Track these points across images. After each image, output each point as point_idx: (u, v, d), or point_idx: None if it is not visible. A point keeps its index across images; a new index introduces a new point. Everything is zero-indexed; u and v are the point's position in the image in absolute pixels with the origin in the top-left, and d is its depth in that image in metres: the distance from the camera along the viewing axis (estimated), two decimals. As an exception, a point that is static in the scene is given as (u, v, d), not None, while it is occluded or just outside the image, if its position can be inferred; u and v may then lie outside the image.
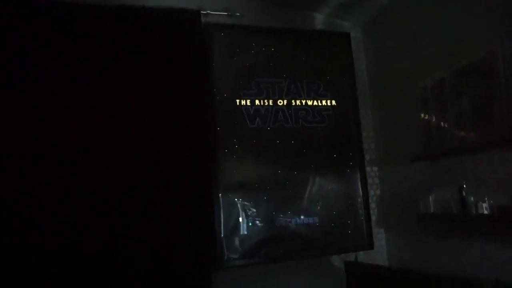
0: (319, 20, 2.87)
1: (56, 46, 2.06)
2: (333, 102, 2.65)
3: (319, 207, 2.51)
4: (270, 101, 2.53)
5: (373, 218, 2.67)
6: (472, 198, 1.82)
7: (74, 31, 2.10)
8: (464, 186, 1.86)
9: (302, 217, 2.46)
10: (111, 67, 2.12)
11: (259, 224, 2.37)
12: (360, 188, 2.60)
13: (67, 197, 1.96)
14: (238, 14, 2.57)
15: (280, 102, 2.55)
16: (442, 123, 2.04)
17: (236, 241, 2.31)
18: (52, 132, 1.99)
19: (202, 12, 2.42)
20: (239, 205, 2.35)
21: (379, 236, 2.72)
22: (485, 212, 1.75)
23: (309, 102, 2.60)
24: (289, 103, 2.56)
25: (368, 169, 2.72)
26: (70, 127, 2.02)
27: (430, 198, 2.08)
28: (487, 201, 1.75)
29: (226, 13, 2.54)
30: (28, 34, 2.02)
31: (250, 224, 2.36)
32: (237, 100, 2.46)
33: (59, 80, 2.04)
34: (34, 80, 2.00)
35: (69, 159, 2.00)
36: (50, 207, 1.93)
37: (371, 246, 2.55)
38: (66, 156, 1.99)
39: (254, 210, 2.37)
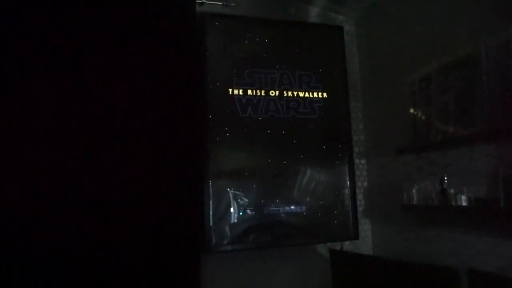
0: (313, 12, 2.90)
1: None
2: (324, 95, 2.70)
3: (307, 197, 2.56)
4: (262, 92, 2.56)
5: (360, 209, 2.73)
6: (452, 190, 1.88)
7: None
8: (445, 178, 1.92)
9: (290, 206, 2.52)
10: (100, 55, 2.14)
11: (248, 211, 2.43)
12: (348, 180, 2.65)
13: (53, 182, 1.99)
14: (233, 4, 2.60)
15: (272, 93, 2.58)
16: (427, 117, 2.09)
17: (225, 227, 2.37)
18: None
19: (197, 1, 2.44)
20: (228, 192, 2.40)
21: (365, 227, 2.79)
22: (464, 203, 1.81)
23: (301, 94, 2.65)
24: (281, 94, 2.60)
25: (356, 161, 2.78)
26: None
27: (414, 190, 2.14)
28: (465, 193, 1.81)
29: (221, 3, 2.57)
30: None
31: (239, 211, 2.41)
32: (230, 90, 2.49)
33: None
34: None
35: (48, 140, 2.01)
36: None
37: (356, 236, 2.61)
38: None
39: (244, 198, 2.43)
